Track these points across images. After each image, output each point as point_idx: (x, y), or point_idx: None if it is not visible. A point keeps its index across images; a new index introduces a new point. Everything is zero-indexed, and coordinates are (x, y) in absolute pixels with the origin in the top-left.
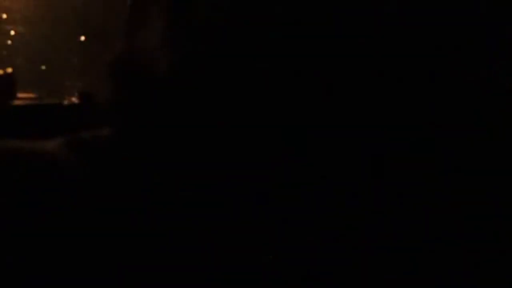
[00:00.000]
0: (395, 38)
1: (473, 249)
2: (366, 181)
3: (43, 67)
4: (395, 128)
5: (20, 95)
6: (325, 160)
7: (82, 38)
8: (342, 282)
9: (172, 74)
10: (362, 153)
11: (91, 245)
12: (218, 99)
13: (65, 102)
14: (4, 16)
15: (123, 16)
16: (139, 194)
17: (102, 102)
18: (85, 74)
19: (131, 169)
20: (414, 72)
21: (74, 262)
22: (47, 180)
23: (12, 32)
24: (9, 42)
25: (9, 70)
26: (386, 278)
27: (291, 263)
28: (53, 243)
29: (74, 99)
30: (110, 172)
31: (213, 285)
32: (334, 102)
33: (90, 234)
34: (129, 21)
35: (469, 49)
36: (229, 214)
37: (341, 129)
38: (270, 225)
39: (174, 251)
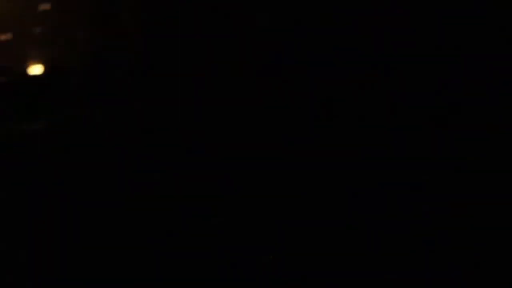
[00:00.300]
0: (394, 38)
1: (472, 249)
2: (366, 181)
3: (5, 37)
4: (395, 128)
5: None
6: (324, 160)
7: (46, 6)
8: (342, 282)
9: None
10: (362, 152)
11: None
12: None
13: (30, 72)
14: None
15: None
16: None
17: (69, 73)
18: (49, 43)
19: (112, 148)
20: (413, 72)
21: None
22: (33, 159)
23: None
24: None
25: None
26: (386, 278)
27: (291, 263)
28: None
29: (39, 69)
30: (92, 150)
31: (212, 284)
32: (333, 102)
33: (76, 217)
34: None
35: (469, 49)
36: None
37: (340, 128)
38: (270, 225)
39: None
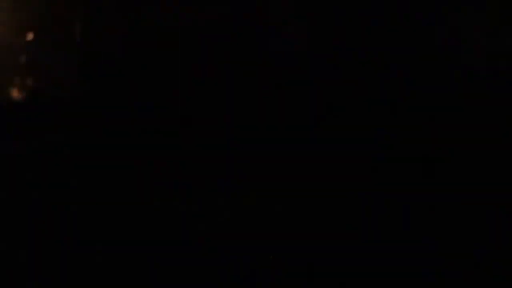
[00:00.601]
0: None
1: (472, 248)
2: (366, 181)
3: None
4: (394, 128)
5: None
6: (325, 159)
7: (29, 34)
8: (342, 281)
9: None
10: (362, 152)
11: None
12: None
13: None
14: None
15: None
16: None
17: (53, 99)
18: (32, 71)
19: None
20: (410, 73)
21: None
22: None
23: None
24: None
25: None
26: (385, 278)
27: (291, 263)
28: None
29: (22, 97)
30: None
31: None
32: (334, 103)
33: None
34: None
35: (468, 50)
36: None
37: (340, 128)
38: (270, 225)
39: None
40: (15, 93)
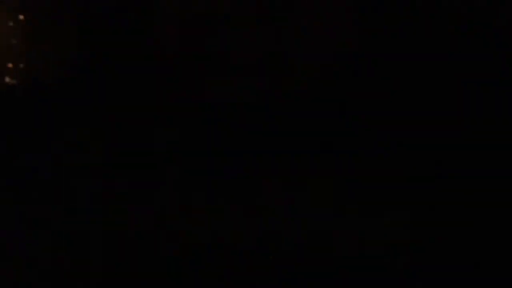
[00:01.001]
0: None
1: (471, 248)
2: (366, 181)
3: None
4: (396, 128)
5: None
6: (325, 159)
7: (21, 17)
8: (341, 281)
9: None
10: (362, 152)
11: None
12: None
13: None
14: None
15: None
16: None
17: (47, 83)
18: (25, 54)
19: None
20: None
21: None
22: None
23: None
24: None
25: None
26: (384, 278)
27: (291, 263)
28: None
29: (15, 81)
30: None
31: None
32: (333, 103)
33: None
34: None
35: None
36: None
37: (340, 128)
38: (270, 225)
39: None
40: (11, 83)
